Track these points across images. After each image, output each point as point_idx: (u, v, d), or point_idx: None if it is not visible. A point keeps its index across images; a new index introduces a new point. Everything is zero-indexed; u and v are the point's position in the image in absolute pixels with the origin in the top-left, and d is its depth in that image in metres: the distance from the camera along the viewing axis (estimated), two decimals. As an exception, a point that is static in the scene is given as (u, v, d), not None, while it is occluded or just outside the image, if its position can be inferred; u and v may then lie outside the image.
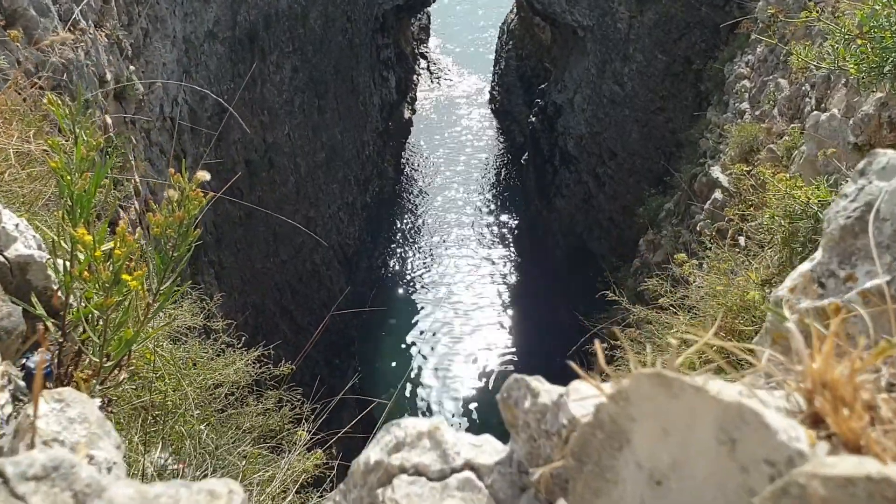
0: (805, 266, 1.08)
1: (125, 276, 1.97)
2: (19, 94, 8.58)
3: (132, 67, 12.91)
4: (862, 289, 0.96)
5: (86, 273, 1.97)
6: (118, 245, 1.94)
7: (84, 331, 2.14)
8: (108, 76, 11.48)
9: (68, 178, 2.01)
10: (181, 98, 16.18)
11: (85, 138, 2.09)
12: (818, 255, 1.05)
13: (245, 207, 19.95)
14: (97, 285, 1.97)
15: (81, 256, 2.05)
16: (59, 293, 2.24)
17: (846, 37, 5.32)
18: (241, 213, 19.38)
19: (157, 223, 2.07)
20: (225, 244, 19.49)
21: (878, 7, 5.01)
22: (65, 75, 9.45)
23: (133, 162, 12.42)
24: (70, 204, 2.03)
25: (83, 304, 2.14)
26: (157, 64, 15.17)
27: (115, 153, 11.03)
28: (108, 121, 11.54)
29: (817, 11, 7.72)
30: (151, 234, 2.10)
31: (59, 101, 2.13)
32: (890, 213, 0.94)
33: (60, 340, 2.20)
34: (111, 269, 1.94)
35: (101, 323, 2.08)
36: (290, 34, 22.40)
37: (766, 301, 5.55)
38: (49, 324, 2.19)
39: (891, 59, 4.70)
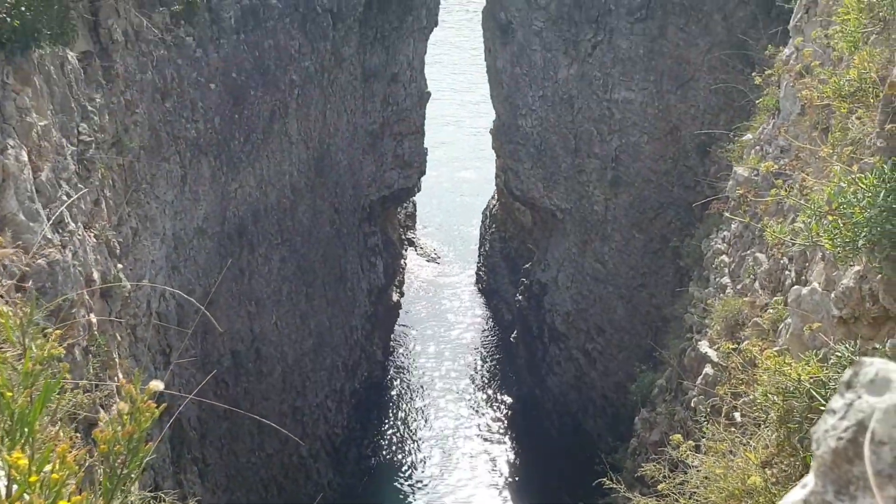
0: (798, 494, 0.94)
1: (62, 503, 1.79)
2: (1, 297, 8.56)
3: (120, 265, 13.04)
4: (868, 528, 0.83)
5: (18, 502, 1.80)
6: (57, 468, 1.78)
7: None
8: (95, 275, 11.55)
9: (9, 394, 1.89)
10: (168, 293, 16.27)
11: (35, 351, 1.99)
12: (810, 481, 0.93)
13: (230, 400, 19.52)
14: (32, 515, 1.79)
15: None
16: (-4, 522, 2.04)
17: (817, 213, 5.43)
18: (225, 406, 18.94)
19: (104, 439, 1.92)
20: (209, 440, 18.88)
21: (844, 184, 5.15)
22: (49, 277, 9.49)
23: (116, 360, 12.24)
24: (10, 423, 1.89)
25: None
26: (146, 261, 15.37)
27: (97, 353, 10.89)
28: (93, 320, 11.48)
29: (786, 189, 7.98)
30: (98, 451, 1.95)
31: (10, 312, 2.04)
32: (888, 435, 0.82)
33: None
34: (47, 496, 1.77)
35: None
36: (279, 227, 22.97)
37: (768, 485, 5.27)
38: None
39: (863, 233, 4.76)
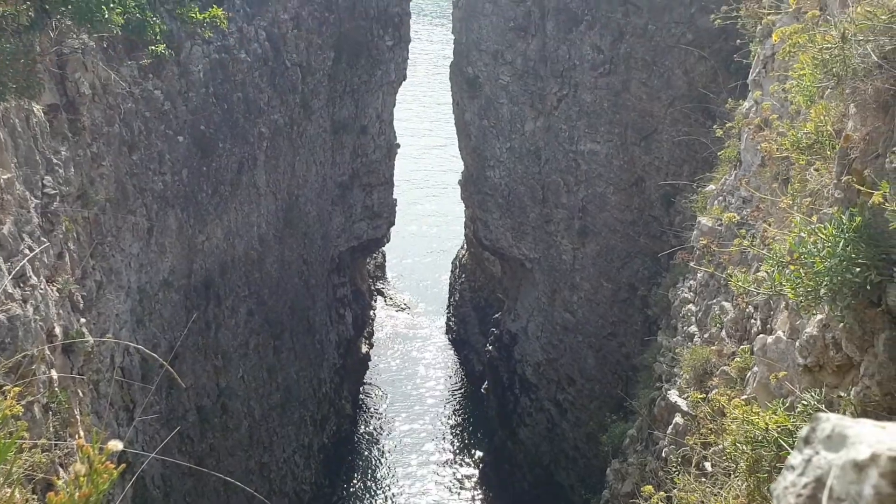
0: (762, 553, 0.94)
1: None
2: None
3: (83, 320, 12.81)
4: (830, 589, 0.82)
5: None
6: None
7: None
8: (57, 330, 11.32)
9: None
10: (133, 348, 15.97)
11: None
12: (774, 540, 0.93)
13: (195, 457, 19.08)
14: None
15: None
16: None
17: (779, 263, 5.52)
18: (190, 462, 18.49)
19: (58, 503, 1.86)
20: (173, 498, 18.36)
21: (804, 235, 5.25)
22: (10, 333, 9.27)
23: (78, 417, 11.93)
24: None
25: None
26: (110, 314, 15.12)
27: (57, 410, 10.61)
28: (54, 376, 11.21)
29: (749, 239, 8.11)
30: (55, 517, 1.87)
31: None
32: (845, 492, 0.83)
33: None
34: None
35: None
36: (247, 279, 22.78)
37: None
38: None
39: (824, 283, 4.85)
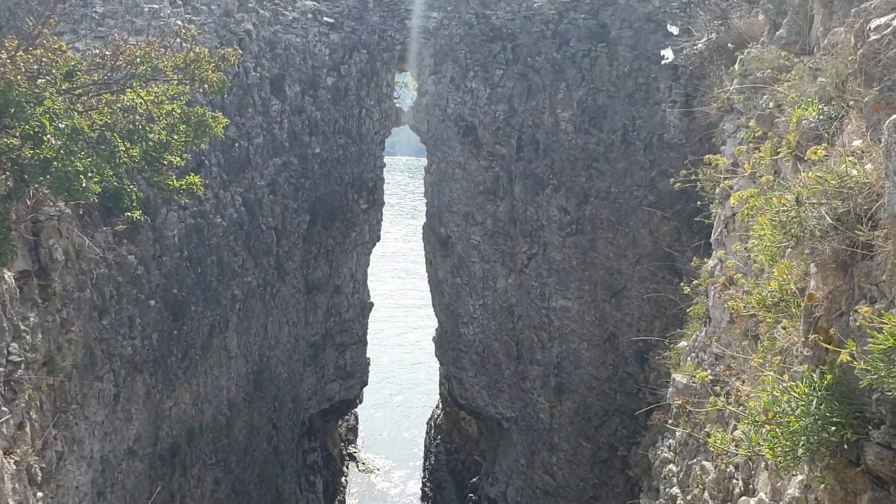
0: None
1: None
2: None
3: (40, 494, 12.19)
4: None
5: None
6: None
7: None
8: (10, 506, 10.73)
9: None
10: (90, 522, 15.11)
11: None
12: None
13: None
14: None
15: None
16: None
17: (755, 422, 5.48)
18: None
19: None
20: None
21: (777, 393, 5.25)
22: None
23: None
24: None
25: None
26: (69, 488, 14.40)
27: None
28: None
29: (724, 397, 8.08)
30: None
31: None
32: None
33: None
34: None
35: None
36: (214, 446, 22.01)
37: None
38: None
39: (801, 442, 4.80)
